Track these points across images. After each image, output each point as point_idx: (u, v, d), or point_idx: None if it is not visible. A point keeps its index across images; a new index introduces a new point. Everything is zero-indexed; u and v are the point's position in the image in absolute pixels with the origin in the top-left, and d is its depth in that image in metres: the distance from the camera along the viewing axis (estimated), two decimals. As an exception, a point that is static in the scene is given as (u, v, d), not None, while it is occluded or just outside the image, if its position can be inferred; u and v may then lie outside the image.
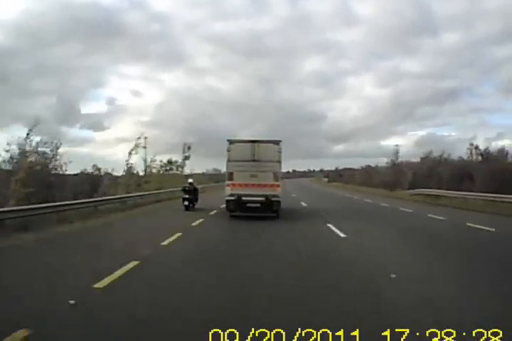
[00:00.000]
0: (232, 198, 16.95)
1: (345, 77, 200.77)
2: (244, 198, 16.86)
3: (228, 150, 16.93)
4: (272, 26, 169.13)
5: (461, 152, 48.37)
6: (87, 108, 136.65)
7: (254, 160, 16.79)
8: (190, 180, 22.49)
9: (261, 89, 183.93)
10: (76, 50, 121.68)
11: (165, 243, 10.44)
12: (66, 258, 8.36)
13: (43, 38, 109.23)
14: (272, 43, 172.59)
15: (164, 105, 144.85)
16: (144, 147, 37.60)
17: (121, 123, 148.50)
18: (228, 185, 17.07)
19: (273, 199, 16.79)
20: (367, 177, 67.24)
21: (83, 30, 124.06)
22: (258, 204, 17.02)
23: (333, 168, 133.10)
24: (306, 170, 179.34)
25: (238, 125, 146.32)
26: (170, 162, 45.68)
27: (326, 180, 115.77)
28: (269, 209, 17.02)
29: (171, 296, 5.86)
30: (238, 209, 17.16)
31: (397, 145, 77.48)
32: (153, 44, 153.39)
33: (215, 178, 61.95)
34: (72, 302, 5.30)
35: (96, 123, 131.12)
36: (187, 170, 48.03)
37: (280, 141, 17.16)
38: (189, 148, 48.49)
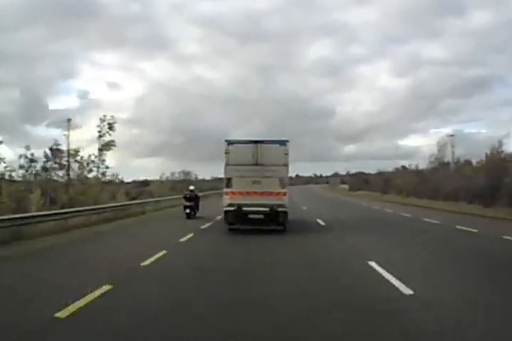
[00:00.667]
0: (231, 209, 14.57)
1: (356, 66, 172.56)
2: (245, 209, 14.48)
3: (226, 153, 14.61)
4: (271, 5, 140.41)
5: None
6: (56, 103, 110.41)
7: (256, 164, 14.54)
8: (191, 187, 21.85)
9: (258, 80, 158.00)
10: (42, 35, 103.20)
11: (146, 263, 8.89)
12: (29, 282, 7.32)
13: (1, 20, 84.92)
14: (271, 25, 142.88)
15: (145, 99, 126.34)
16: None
17: (95, 120, 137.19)
18: (226, 194, 14.72)
19: (279, 209, 14.43)
20: (417, 182, 43.85)
21: (50, 11, 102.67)
22: (261, 216, 14.67)
23: (343, 172, 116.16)
24: (311, 174, 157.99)
25: (232, 122, 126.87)
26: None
27: (344, 187, 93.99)
28: (274, 222, 14.66)
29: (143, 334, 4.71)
30: (238, 221, 14.78)
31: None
32: (133, 27, 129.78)
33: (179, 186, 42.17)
34: None
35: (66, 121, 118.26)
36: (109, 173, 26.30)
37: (287, 141, 14.86)
38: (110, 127, 25.30)
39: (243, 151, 14.59)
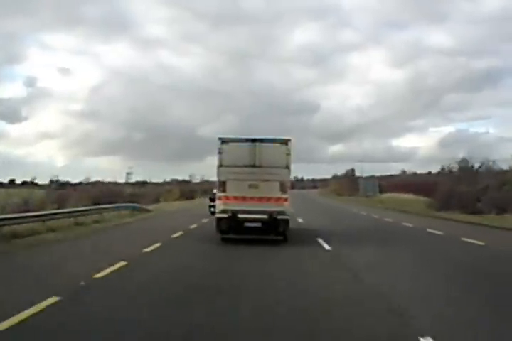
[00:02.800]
0: (225, 215, 12.99)
1: (347, 54, 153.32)
2: (240, 216, 12.89)
3: (220, 152, 13.10)
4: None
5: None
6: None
7: (254, 166, 13.03)
8: (215, 191, 21.38)
9: (233, 70, 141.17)
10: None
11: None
12: None
13: None
14: (250, 6, 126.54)
15: (102, 89, 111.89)
16: None
17: (44, 112, 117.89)
18: (220, 199, 13.17)
19: (279, 217, 12.90)
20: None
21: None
22: (259, 224, 13.05)
23: (329, 176, 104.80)
24: (292, 178, 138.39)
25: (202, 118, 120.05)
26: None
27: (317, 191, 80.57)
28: (273, 231, 13.11)
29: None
30: (232, 230, 13.12)
31: None
32: (88, 5, 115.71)
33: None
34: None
35: (10, 112, 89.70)
36: None
37: (289, 140, 13.36)
38: None
39: (239, 151, 13.10)
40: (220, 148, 13.04)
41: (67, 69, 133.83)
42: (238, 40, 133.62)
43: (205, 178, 72.15)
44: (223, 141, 13.13)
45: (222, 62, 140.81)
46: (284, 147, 13.09)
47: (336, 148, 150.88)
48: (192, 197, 59.07)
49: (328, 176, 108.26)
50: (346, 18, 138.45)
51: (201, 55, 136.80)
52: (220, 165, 13.07)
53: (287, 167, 13.09)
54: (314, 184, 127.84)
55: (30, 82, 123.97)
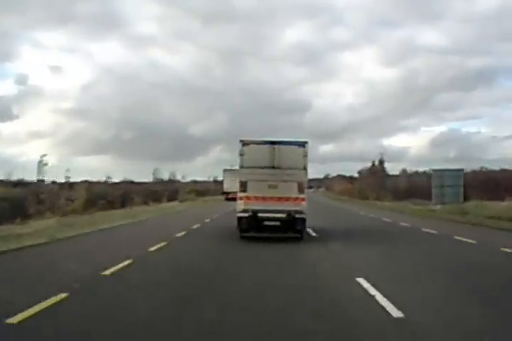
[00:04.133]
0: (246, 215, 13.64)
1: (338, 52, 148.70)
2: (260, 215, 13.51)
3: (241, 154, 13.80)
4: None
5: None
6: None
7: (273, 167, 13.66)
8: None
9: (224, 68, 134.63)
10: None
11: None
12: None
13: None
14: (241, 4, 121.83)
15: (93, 87, 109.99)
16: None
17: (35, 110, 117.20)
18: (240, 198, 13.83)
19: (297, 216, 13.54)
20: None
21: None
22: (278, 223, 13.69)
23: (321, 176, 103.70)
24: None
25: (192, 116, 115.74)
26: None
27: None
28: (291, 229, 13.79)
29: None
30: (253, 228, 13.80)
31: None
32: (80, 2, 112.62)
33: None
34: None
35: (1, 111, 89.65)
36: None
37: (306, 143, 14.07)
38: None
39: (259, 153, 13.74)
40: (241, 150, 13.69)
41: (58, 67, 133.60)
42: (230, 38, 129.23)
43: (189, 178, 65.92)
44: (244, 143, 13.77)
45: (214, 60, 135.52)
46: (301, 149, 13.74)
47: (328, 148, 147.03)
48: (158, 200, 43.06)
49: (321, 176, 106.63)
50: (339, 16, 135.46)
51: (192, 53, 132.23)
52: (242, 167, 13.75)
53: (304, 168, 13.73)
54: (308, 184, 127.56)
55: (21, 80, 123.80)
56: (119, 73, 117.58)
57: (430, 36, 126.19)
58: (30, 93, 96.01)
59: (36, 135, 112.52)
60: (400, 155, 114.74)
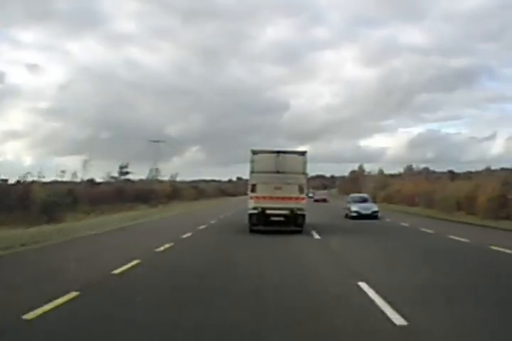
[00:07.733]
0: (256, 211, 16.50)
1: (318, 51, 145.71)
2: (268, 211, 16.40)
3: (252, 161, 16.71)
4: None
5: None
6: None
7: (278, 172, 16.48)
8: None
9: (203, 66, 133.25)
10: None
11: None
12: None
13: None
14: (222, 2, 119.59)
15: (70, 86, 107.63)
16: None
17: (10, 110, 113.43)
18: (251, 198, 16.70)
19: (298, 212, 16.40)
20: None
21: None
22: (282, 218, 16.63)
23: None
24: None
25: (168, 116, 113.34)
26: None
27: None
28: (293, 223, 16.60)
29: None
30: (261, 223, 16.69)
31: None
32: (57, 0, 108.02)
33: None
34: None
35: None
36: None
37: (305, 152, 17.06)
38: None
39: (266, 160, 16.50)
40: (252, 158, 16.54)
41: (34, 66, 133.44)
42: (208, 36, 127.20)
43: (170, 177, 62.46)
44: (254, 152, 16.69)
45: (192, 58, 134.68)
46: (301, 157, 16.63)
47: (305, 149, 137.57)
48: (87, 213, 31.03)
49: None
50: (320, 15, 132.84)
51: (170, 51, 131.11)
52: (252, 171, 16.56)
53: (304, 173, 16.66)
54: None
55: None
56: (96, 72, 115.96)
57: (412, 36, 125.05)
58: (6, 92, 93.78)
59: (12, 135, 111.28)
60: (376, 156, 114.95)
